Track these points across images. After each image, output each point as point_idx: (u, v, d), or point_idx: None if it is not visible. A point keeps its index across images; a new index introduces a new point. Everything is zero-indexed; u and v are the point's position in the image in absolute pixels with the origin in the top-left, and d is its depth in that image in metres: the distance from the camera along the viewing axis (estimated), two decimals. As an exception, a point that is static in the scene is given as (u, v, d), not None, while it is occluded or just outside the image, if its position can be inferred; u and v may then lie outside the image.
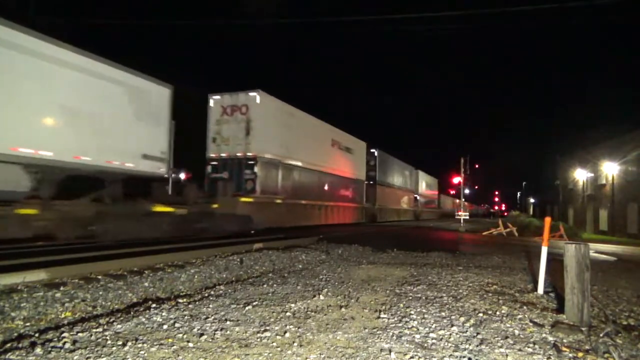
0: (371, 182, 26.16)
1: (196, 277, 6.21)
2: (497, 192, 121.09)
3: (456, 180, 35.04)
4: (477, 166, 55.26)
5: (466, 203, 41.33)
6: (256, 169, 13.72)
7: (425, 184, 43.23)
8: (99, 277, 5.79)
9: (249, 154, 13.73)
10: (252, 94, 13.99)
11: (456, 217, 31.94)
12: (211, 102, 14.53)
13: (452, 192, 62.18)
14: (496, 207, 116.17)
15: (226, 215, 12.37)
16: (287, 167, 15.83)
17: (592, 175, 31.61)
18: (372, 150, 26.72)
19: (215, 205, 12.19)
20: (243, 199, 13.12)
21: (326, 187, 19.19)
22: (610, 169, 27.14)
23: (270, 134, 14.68)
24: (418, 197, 39.55)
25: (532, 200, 70.09)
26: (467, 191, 47.14)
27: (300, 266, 7.38)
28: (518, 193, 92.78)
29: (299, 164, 16.71)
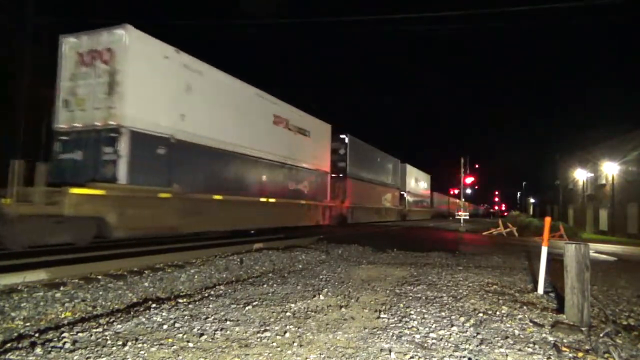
0: (340, 175, 20.45)
1: (196, 277, 6.21)
2: (497, 192, 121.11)
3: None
4: (477, 166, 55.22)
5: (466, 203, 41.21)
6: (120, 145, 8.56)
7: (414, 180, 37.45)
8: (99, 277, 5.79)
9: (110, 122, 8.69)
10: (118, 31, 8.89)
11: (456, 217, 31.95)
12: (64, 47, 9.46)
13: (454, 191, 61.65)
14: (496, 207, 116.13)
15: (39, 219, 7.40)
16: (185, 146, 10.00)
17: (592, 175, 31.61)
18: (342, 136, 20.72)
19: (5, 201, 7.14)
20: (78, 191, 7.64)
21: (264, 178, 13.26)
22: (610, 169, 27.14)
23: (150, 94, 9.31)
24: (405, 195, 33.68)
25: (532, 200, 70.13)
26: (467, 191, 47.20)
27: (300, 266, 7.39)
28: (518, 193, 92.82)
29: (210, 143, 10.78)
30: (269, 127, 13.50)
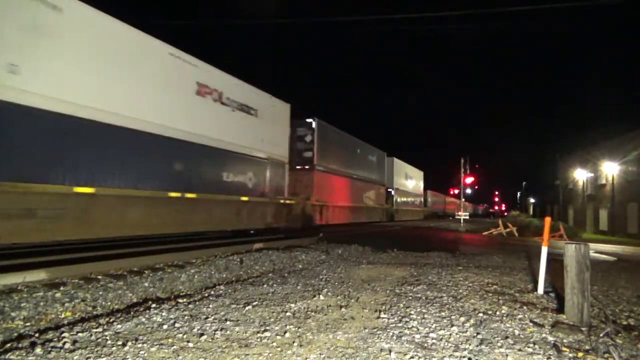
0: (306, 167, 16.86)
1: (196, 277, 6.21)
2: (497, 192, 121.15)
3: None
4: (477, 166, 55.08)
5: (465, 203, 41.14)
6: None
7: (404, 177, 33.35)
8: (99, 277, 5.80)
9: None
10: None
11: (456, 217, 31.96)
12: None
13: (454, 191, 61.27)
14: (496, 207, 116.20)
15: None
16: (16, 112, 6.38)
17: (592, 175, 31.62)
18: (309, 120, 17.12)
19: None
20: None
21: (179, 166, 9.53)
22: (610, 169, 27.15)
23: None
24: (393, 193, 29.57)
25: (532, 200, 70.16)
26: (467, 191, 47.15)
27: (300, 266, 7.39)
28: (518, 193, 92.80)
29: (71, 110, 7.09)
30: (188, 99, 9.74)
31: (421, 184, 39.96)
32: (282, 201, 13.76)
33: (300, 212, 15.59)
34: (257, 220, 12.46)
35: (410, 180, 35.31)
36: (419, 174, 39.19)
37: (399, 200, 31.30)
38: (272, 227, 13.13)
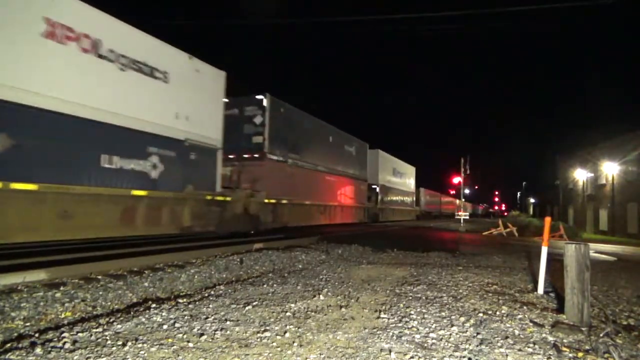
0: (255, 156, 13.35)
1: (196, 277, 6.21)
2: (497, 192, 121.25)
3: (456, 180, 34.70)
4: (477, 166, 54.99)
5: (466, 203, 41.08)
6: None
7: (392, 172, 29.66)
8: (99, 277, 5.80)
9: None
10: None
11: (456, 217, 31.97)
12: None
13: (452, 191, 61.15)
14: (496, 207, 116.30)
15: None
16: None
17: (592, 175, 31.63)
18: (259, 98, 13.53)
19: None
20: None
21: (24, 143, 6.25)
22: (610, 169, 27.16)
23: None
24: (378, 189, 26.20)
25: (532, 200, 70.20)
26: (466, 191, 47.14)
27: (300, 266, 7.38)
28: (518, 193, 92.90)
29: None
30: (25, 40, 6.38)
31: (412, 181, 36.41)
32: (209, 197, 10.13)
33: (240, 212, 11.61)
34: (165, 223, 8.95)
35: (399, 177, 31.72)
36: (410, 169, 35.59)
37: (385, 198, 27.86)
38: (194, 231, 9.72)
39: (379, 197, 26.66)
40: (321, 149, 18.06)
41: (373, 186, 25.58)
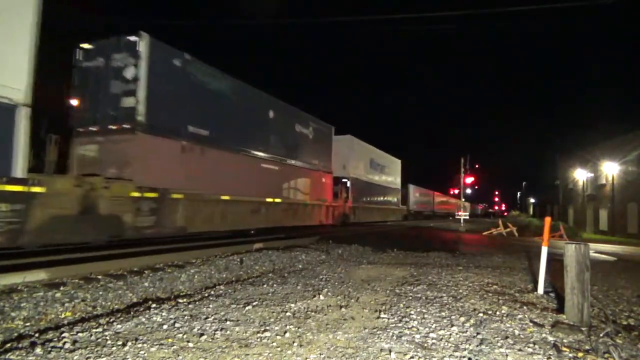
0: (125, 126, 8.66)
1: (196, 277, 6.21)
2: (497, 192, 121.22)
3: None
4: (477, 166, 55.00)
5: (466, 203, 41.07)
6: None
7: (369, 164, 24.64)
8: (99, 277, 5.80)
9: None
10: None
11: (456, 217, 31.97)
12: None
13: (454, 191, 60.94)
14: (496, 207, 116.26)
15: None
16: None
17: (592, 175, 31.62)
18: (131, 39, 8.71)
19: None
20: None
21: None
22: (610, 169, 27.15)
23: None
24: (349, 184, 21.08)
25: (532, 200, 70.17)
26: (467, 191, 47.13)
27: (300, 266, 7.38)
28: (518, 193, 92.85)
29: None
30: None
31: (398, 176, 31.10)
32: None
33: (77, 211, 7.04)
34: None
35: (379, 170, 26.37)
36: (395, 162, 30.12)
37: (359, 195, 22.67)
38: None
39: (355, 194, 21.76)
40: (252, 126, 12.89)
41: (343, 180, 20.68)
